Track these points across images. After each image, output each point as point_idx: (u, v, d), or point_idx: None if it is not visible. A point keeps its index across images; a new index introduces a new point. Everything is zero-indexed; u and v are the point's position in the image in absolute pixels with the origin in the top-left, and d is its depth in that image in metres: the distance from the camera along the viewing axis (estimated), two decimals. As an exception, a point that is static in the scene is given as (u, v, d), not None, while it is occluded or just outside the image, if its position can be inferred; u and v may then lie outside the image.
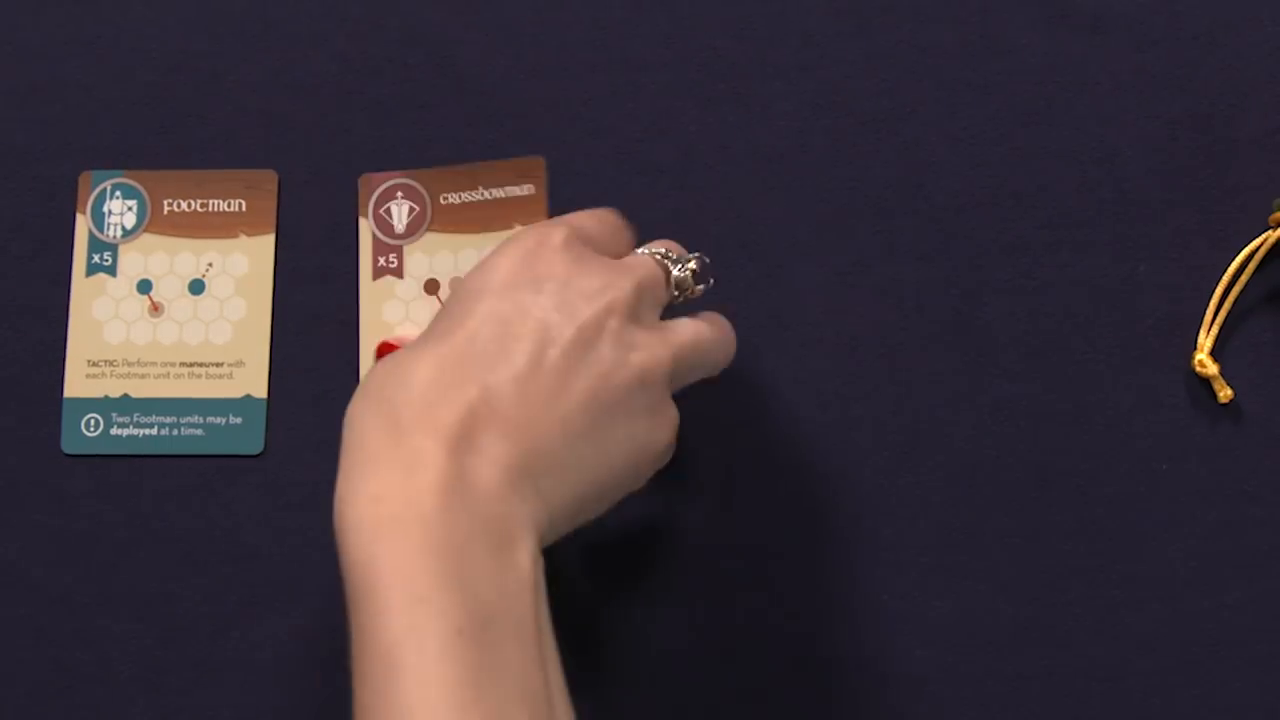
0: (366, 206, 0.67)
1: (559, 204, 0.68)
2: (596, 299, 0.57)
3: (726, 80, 0.68)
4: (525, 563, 0.51)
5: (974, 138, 0.68)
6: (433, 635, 0.48)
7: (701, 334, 0.59)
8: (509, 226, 0.67)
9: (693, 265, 0.60)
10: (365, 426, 0.53)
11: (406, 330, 0.66)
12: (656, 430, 0.58)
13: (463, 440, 0.52)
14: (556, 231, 0.58)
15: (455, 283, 0.58)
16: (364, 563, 0.50)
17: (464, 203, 0.67)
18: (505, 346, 0.54)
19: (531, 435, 0.53)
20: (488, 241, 0.66)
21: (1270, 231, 0.65)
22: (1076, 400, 0.66)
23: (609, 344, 0.56)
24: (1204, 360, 0.63)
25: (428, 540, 0.50)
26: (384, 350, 0.65)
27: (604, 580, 0.65)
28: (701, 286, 0.61)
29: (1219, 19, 0.68)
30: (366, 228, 0.67)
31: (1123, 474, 0.65)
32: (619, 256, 0.60)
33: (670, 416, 0.58)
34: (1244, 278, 0.65)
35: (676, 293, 0.59)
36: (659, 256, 0.59)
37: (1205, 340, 0.64)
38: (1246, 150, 0.68)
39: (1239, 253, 0.65)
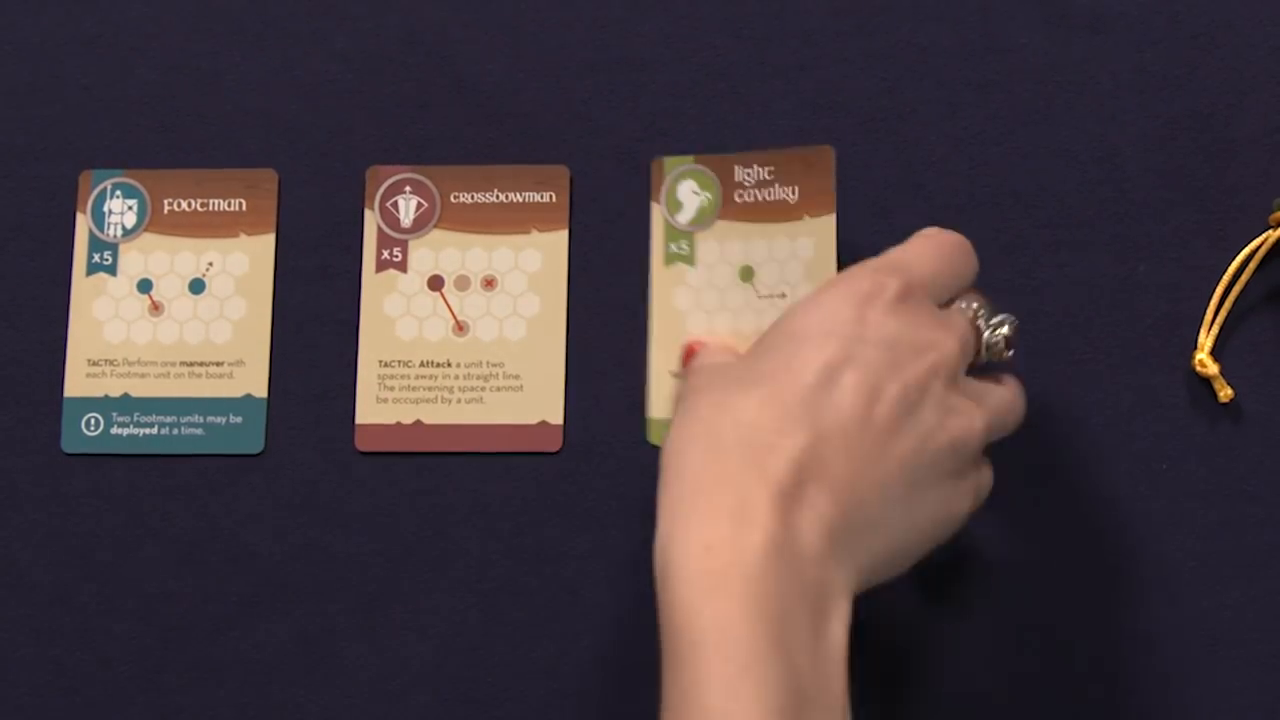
0: (373, 199, 0.67)
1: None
2: (923, 358, 0.55)
3: (726, 80, 0.69)
4: (839, 634, 0.50)
5: (974, 138, 0.68)
6: (754, 712, 0.47)
7: (1011, 401, 0.59)
8: (524, 231, 0.67)
9: (1005, 331, 0.59)
10: (692, 461, 0.52)
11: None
12: (963, 496, 0.57)
13: (792, 494, 0.51)
14: (893, 282, 0.57)
15: (777, 319, 0.58)
16: (689, 616, 0.49)
17: (476, 203, 0.67)
18: (833, 397, 0.53)
19: (853, 493, 0.52)
20: (498, 243, 0.67)
21: (1270, 231, 0.65)
22: (1076, 400, 0.67)
23: (931, 407, 0.55)
24: (1204, 360, 0.64)
25: (754, 602, 0.49)
26: (691, 351, 0.63)
27: (608, 582, 0.66)
28: (1010, 353, 0.60)
29: (1219, 19, 0.68)
30: (371, 220, 0.67)
31: (1123, 474, 0.65)
32: (954, 295, 0.59)
33: (974, 482, 0.57)
34: (1244, 278, 0.65)
35: (985, 356, 0.58)
36: (974, 312, 0.59)
37: (1205, 340, 0.64)
38: (1246, 150, 0.67)
39: (1239, 253, 0.65)
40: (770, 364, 0.54)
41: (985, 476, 0.58)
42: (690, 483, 0.51)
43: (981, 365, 0.60)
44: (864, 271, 0.57)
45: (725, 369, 0.56)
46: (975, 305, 0.59)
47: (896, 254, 0.58)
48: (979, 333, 0.58)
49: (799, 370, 0.53)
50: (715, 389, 0.54)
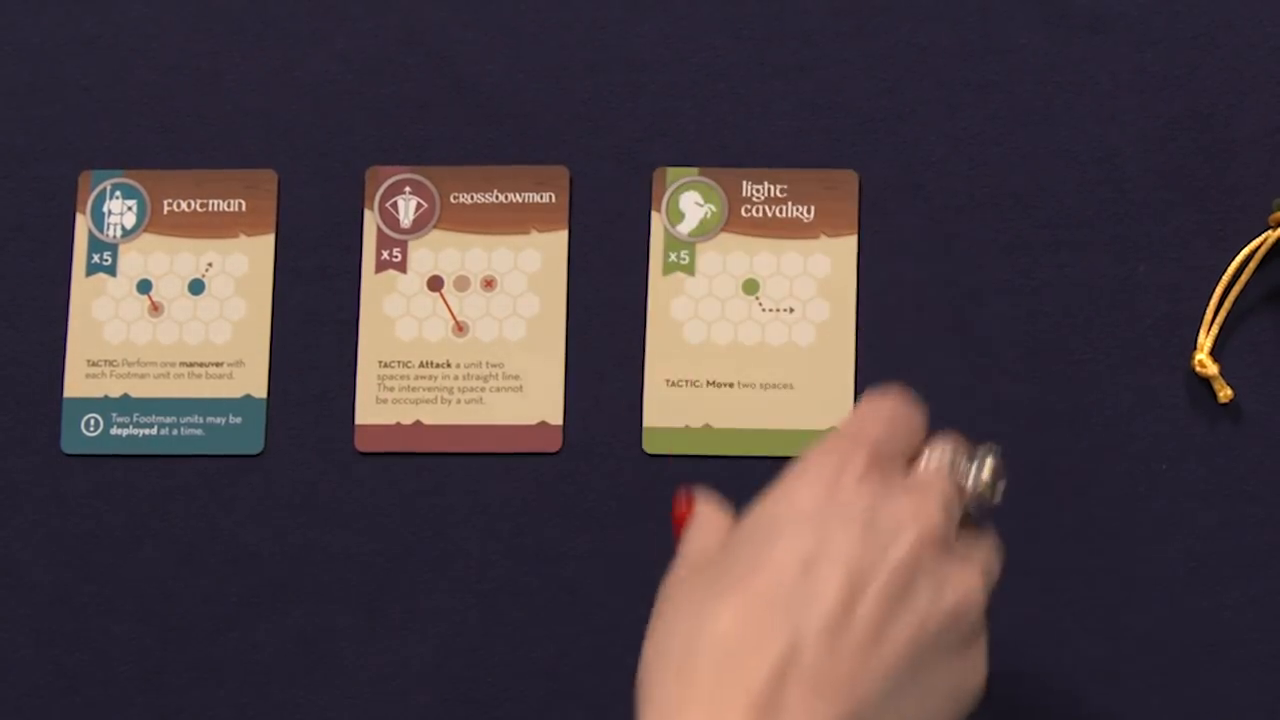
0: (372, 199, 0.68)
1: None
2: (905, 532, 0.52)
3: (726, 80, 0.69)
4: None
5: (974, 138, 0.68)
6: None
7: (996, 544, 0.56)
8: (524, 231, 0.68)
9: (988, 473, 0.55)
10: (665, 682, 0.50)
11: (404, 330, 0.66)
12: (975, 663, 0.55)
13: (771, 703, 0.49)
14: (858, 456, 0.54)
15: (753, 508, 0.55)
16: None
17: (476, 203, 0.68)
18: (812, 591, 0.51)
19: (851, 691, 0.50)
20: (497, 243, 0.68)
21: (1270, 231, 0.65)
22: (1076, 400, 0.67)
23: (924, 584, 0.52)
24: (1204, 360, 0.64)
25: None
26: (683, 515, 0.59)
27: (608, 582, 0.66)
28: (1001, 489, 0.56)
29: (1219, 19, 0.68)
30: (371, 220, 0.68)
31: (1122, 474, 0.65)
32: (916, 454, 0.56)
33: (984, 643, 0.55)
34: (1244, 278, 0.65)
35: (973, 506, 0.55)
36: (949, 463, 0.56)
37: (1205, 340, 0.64)
38: (1246, 150, 0.68)
39: (1239, 253, 0.65)
40: (745, 563, 0.52)
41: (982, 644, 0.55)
42: (660, 706, 0.49)
43: (975, 512, 0.57)
44: (825, 452, 0.54)
45: (702, 570, 0.53)
46: (948, 452, 0.56)
47: (852, 424, 0.56)
48: (960, 486, 0.55)
49: (774, 568, 0.51)
50: (691, 598, 0.52)
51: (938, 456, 0.55)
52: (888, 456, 0.54)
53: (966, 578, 0.52)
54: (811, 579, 0.50)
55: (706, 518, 0.55)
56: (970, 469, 0.55)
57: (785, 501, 0.53)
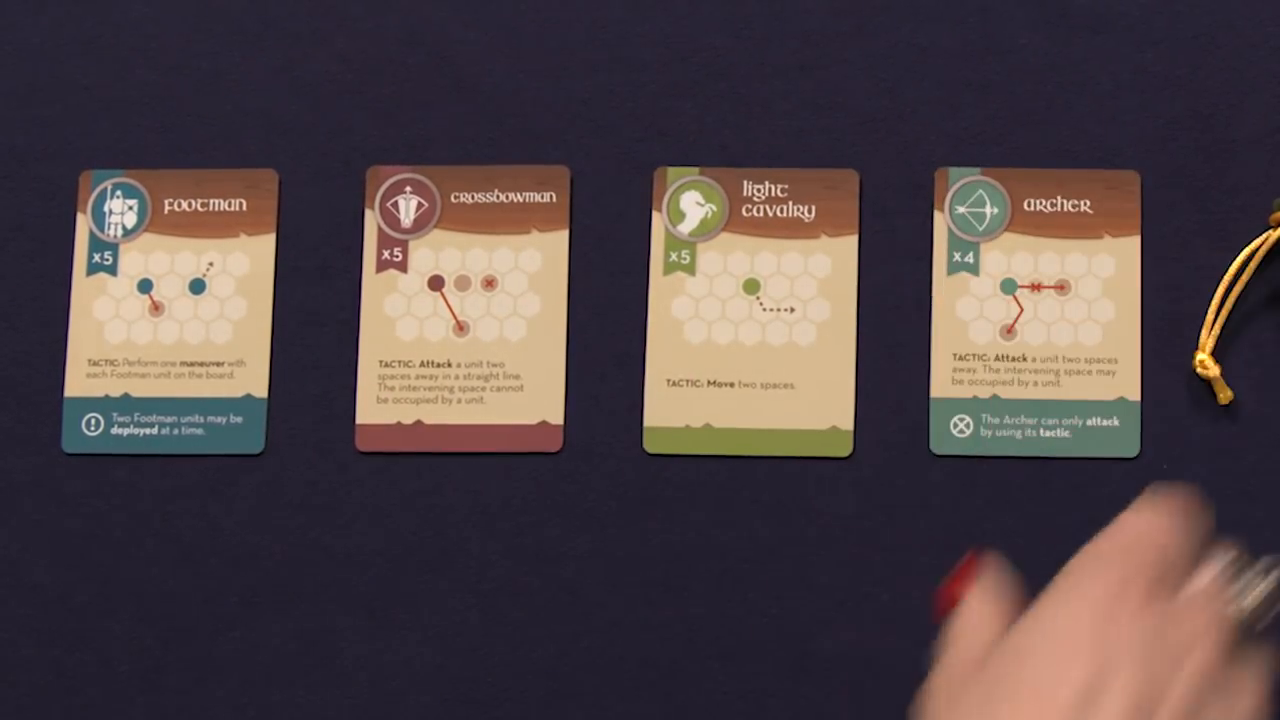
0: (373, 199, 0.68)
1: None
2: (1189, 663, 0.52)
3: (727, 80, 0.70)
4: None
5: (974, 138, 0.69)
6: None
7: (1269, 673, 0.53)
8: (524, 231, 0.68)
9: (1259, 596, 0.54)
10: None
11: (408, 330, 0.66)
12: None
13: None
14: (1136, 583, 0.53)
15: (1015, 627, 0.55)
16: None
17: (476, 203, 0.68)
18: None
19: None
20: (498, 243, 0.68)
21: (1270, 231, 0.65)
22: (1076, 400, 0.67)
23: (1210, 712, 0.51)
24: (1205, 361, 0.64)
25: None
26: (956, 590, 0.58)
27: (608, 582, 0.67)
28: (1276, 610, 0.54)
29: (1219, 19, 0.69)
30: (372, 220, 0.68)
31: (1122, 474, 0.66)
32: (1187, 570, 0.55)
33: None
34: (1244, 278, 0.65)
35: (1244, 629, 0.53)
36: (1224, 583, 0.54)
37: (1207, 340, 0.65)
38: (1247, 150, 0.68)
39: (1239, 253, 0.66)
40: (1017, 681, 0.51)
41: None
42: None
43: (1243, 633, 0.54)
44: (1097, 570, 0.53)
45: (974, 681, 0.52)
46: (1222, 572, 0.54)
47: (1129, 535, 0.55)
48: (1233, 607, 0.53)
49: (1053, 688, 0.50)
50: (969, 713, 0.51)
51: (1211, 577, 0.54)
52: (1165, 581, 0.53)
53: (1245, 698, 0.51)
54: (1094, 707, 0.50)
55: (978, 615, 0.55)
56: (1242, 590, 0.54)
57: (1058, 627, 0.52)
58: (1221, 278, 0.65)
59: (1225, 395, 0.64)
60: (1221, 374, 0.64)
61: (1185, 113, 0.68)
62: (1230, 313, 0.65)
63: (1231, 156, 0.68)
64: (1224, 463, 0.66)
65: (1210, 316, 0.65)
